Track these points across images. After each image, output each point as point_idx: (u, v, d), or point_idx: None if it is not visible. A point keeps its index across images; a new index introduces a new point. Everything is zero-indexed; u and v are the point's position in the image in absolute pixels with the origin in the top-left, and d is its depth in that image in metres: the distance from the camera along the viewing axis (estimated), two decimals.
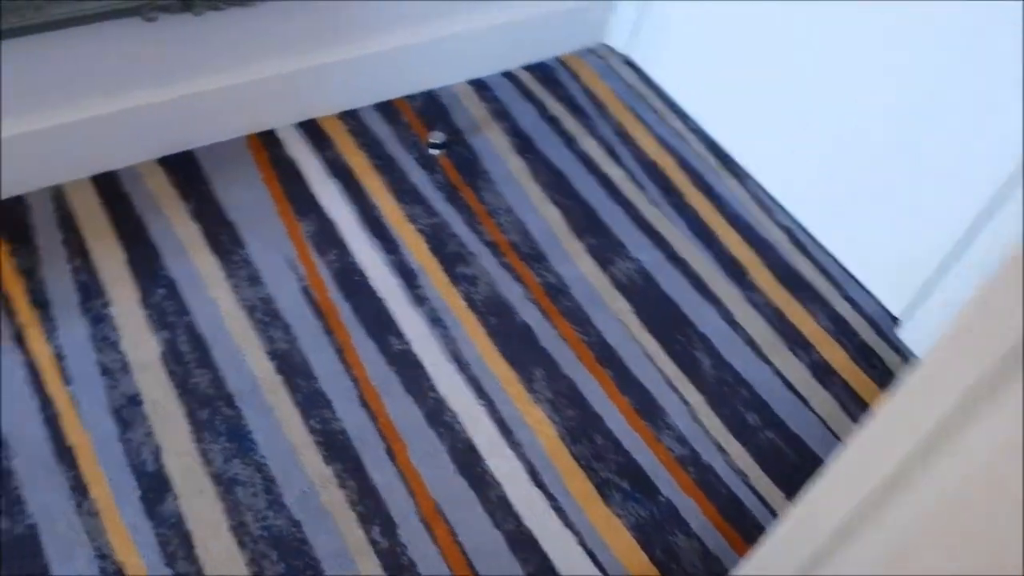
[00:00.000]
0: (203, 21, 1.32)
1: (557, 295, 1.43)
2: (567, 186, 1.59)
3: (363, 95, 1.59)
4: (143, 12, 1.25)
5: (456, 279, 1.41)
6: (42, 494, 1.10)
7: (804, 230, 1.61)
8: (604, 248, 1.51)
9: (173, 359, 1.24)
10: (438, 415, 1.25)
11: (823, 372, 1.42)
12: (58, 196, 1.37)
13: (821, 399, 1.39)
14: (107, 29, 1.25)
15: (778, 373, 1.41)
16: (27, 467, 1.11)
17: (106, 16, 1.23)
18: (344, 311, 1.33)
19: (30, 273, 1.28)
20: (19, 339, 1.22)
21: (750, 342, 1.43)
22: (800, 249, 1.58)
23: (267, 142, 1.52)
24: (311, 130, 1.55)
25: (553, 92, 1.74)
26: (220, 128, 1.47)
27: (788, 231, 1.61)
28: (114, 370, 1.21)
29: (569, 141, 1.66)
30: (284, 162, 1.50)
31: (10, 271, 1.27)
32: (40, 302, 1.25)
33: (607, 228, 1.54)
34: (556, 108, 1.71)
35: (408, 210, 1.48)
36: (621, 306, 1.44)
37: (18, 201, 1.35)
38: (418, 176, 1.53)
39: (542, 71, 1.78)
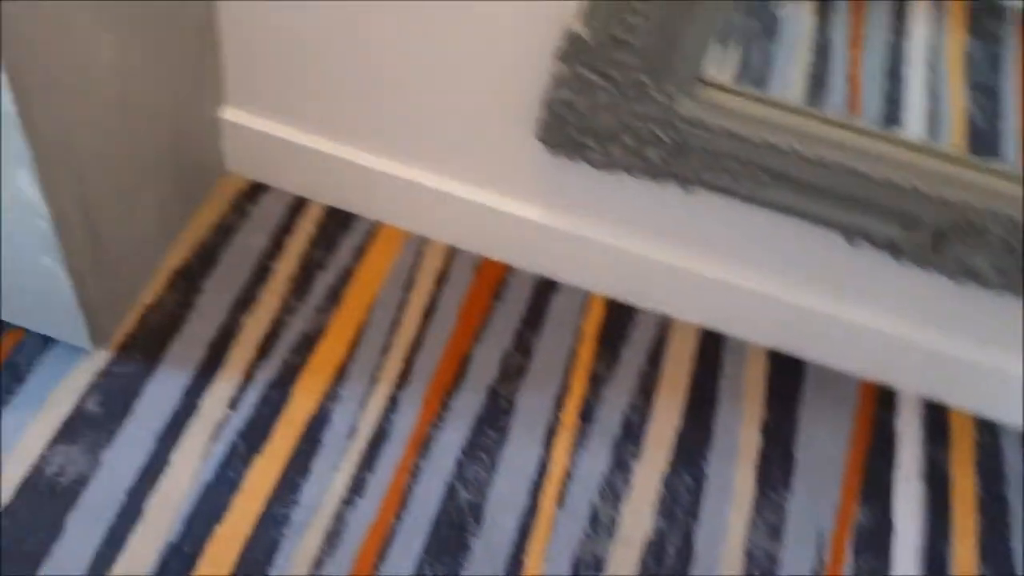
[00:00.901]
0: (895, 265, 1.16)
1: None
2: None
3: None
4: (850, 236, 1.13)
5: None
6: None
7: None
8: None
9: (654, 552, 1.14)
10: None
11: None
12: (663, 327, 1.34)
13: None
14: (808, 228, 1.17)
15: None
16: (480, 554, 1.11)
17: (814, 218, 1.14)
18: None
19: (595, 382, 1.28)
20: (550, 435, 1.22)
21: None
22: None
23: (880, 398, 1.32)
24: (934, 414, 1.31)
25: None
26: (845, 358, 1.31)
27: None
28: (601, 523, 1.15)
29: None
30: (884, 429, 1.29)
31: (584, 371, 1.29)
32: (586, 415, 1.24)
33: None
34: None
35: None
36: None
37: (627, 311, 1.35)
38: None
39: None
